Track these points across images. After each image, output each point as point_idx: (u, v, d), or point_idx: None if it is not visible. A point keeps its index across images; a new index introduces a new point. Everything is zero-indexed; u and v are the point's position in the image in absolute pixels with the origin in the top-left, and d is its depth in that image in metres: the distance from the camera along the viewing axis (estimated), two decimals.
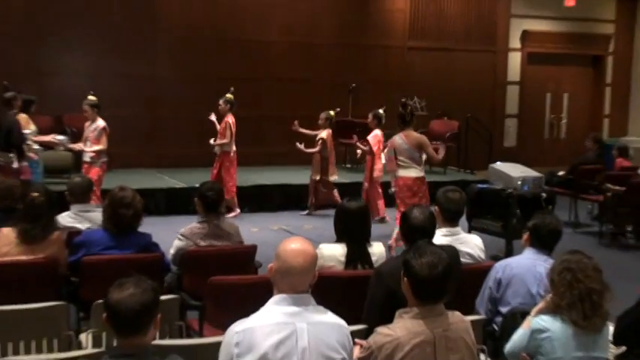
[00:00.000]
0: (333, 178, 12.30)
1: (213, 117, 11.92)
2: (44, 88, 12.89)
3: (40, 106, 11.61)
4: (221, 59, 14.93)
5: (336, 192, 12.15)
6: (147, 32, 14.54)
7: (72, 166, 11.85)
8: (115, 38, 14.31)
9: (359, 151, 11.99)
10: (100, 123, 10.75)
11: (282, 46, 15.53)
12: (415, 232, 4.69)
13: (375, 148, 11.58)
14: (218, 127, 11.86)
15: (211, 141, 11.88)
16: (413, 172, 9.49)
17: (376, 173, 11.67)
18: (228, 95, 11.84)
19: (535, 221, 5.13)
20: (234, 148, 11.79)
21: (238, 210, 11.88)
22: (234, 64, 14.97)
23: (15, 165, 9.88)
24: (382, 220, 11.58)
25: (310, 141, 12.20)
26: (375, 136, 11.71)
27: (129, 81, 13.87)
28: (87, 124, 10.91)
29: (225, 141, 11.70)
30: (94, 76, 14.01)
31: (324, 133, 12.11)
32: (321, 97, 14.99)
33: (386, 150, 10.25)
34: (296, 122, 12.27)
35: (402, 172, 9.55)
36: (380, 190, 11.72)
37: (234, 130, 11.71)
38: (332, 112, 12.26)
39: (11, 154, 9.88)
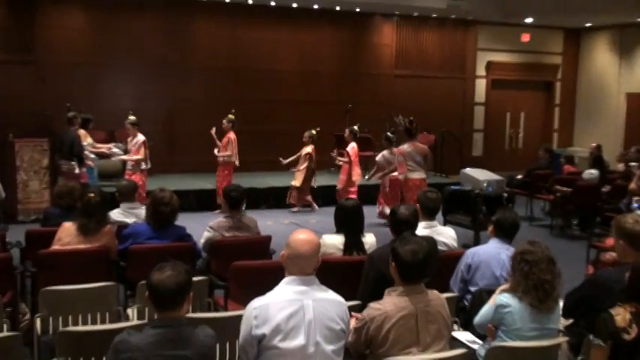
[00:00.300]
0: (315, 184, 12.32)
1: (213, 131, 11.79)
2: (99, 107, 12.88)
3: (96, 123, 11.64)
4: (240, 84, 14.95)
5: (310, 197, 12.24)
6: (181, 63, 14.56)
7: (121, 172, 11.85)
8: (155, 67, 14.36)
9: (339, 163, 11.87)
10: (140, 137, 10.74)
11: (290, 74, 15.52)
12: (402, 225, 4.74)
13: (353, 158, 11.57)
14: (218, 141, 11.73)
15: (215, 151, 11.74)
16: (420, 175, 10.31)
17: (355, 177, 11.66)
18: (230, 116, 11.73)
19: (498, 216, 5.13)
20: (237, 159, 11.71)
21: None
22: (251, 88, 15.00)
23: (76, 171, 9.92)
24: None
25: (296, 160, 12.20)
26: (352, 148, 11.67)
27: (165, 102, 13.88)
28: (129, 139, 10.90)
29: (227, 153, 11.59)
30: (138, 97, 14.06)
31: (309, 149, 12.02)
32: (324, 115, 14.98)
33: (396, 157, 10.59)
34: (280, 159, 12.21)
35: (411, 175, 10.27)
36: (353, 189, 11.62)
37: (235, 144, 11.59)
38: (314, 132, 12.08)
39: (73, 162, 9.91)
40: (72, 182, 7.41)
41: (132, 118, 10.97)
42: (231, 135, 11.61)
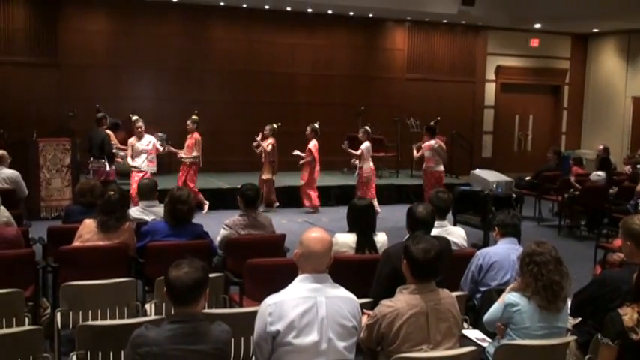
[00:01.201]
0: (273, 177, 12.01)
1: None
2: (121, 109, 12.93)
3: None
4: (256, 87, 14.99)
5: (274, 195, 12.02)
6: (199, 66, 14.61)
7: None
8: (175, 70, 14.45)
9: (301, 161, 11.84)
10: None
11: (305, 77, 15.54)
12: (419, 224, 4.72)
13: (315, 155, 11.63)
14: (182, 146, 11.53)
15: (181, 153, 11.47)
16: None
17: (316, 174, 11.83)
18: (194, 117, 11.48)
19: (499, 219, 5.12)
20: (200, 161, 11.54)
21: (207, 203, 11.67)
22: (267, 90, 15.05)
23: (107, 169, 9.99)
24: (315, 210, 11.93)
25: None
26: (315, 145, 11.67)
27: (184, 104, 13.88)
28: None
29: (195, 154, 11.36)
30: (157, 99, 14.16)
31: (270, 140, 11.72)
32: (337, 117, 15.00)
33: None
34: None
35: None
36: (315, 186, 11.84)
37: (200, 145, 11.39)
38: (275, 125, 11.83)
39: (103, 160, 9.97)
40: (93, 180, 7.44)
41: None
42: (196, 135, 11.40)
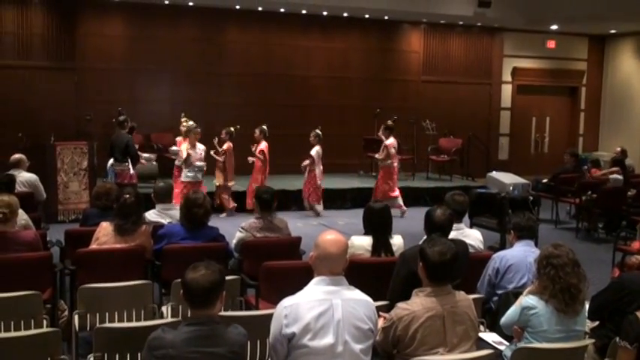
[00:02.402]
0: (232, 184, 11.78)
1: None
2: (138, 111, 13.03)
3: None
4: (271, 89, 15.00)
5: (231, 199, 11.78)
6: (215, 69, 14.64)
7: (157, 174, 11.93)
8: (191, 73, 14.48)
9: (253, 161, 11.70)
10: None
11: (321, 80, 15.52)
12: (436, 227, 4.71)
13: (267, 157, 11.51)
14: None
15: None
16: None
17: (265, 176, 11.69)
18: (231, 129, 11.55)
19: (514, 221, 5.10)
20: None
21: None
22: (282, 93, 15.06)
23: (130, 172, 10.03)
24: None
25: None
26: (266, 146, 11.56)
27: (200, 106, 13.96)
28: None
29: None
30: (175, 103, 14.17)
31: (225, 145, 11.53)
32: (352, 120, 15.01)
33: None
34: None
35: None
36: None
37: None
38: (232, 129, 11.64)
39: (126, 163, 10.02)
40: (109, 184, 7.47)
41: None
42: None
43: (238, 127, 11.78)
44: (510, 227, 5.12)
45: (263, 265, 5.21)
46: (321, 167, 11.83)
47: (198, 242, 5.59)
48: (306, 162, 11.79)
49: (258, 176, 11.56)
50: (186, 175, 10.75)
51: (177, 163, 11.06)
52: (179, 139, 11.34)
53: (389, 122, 12.12)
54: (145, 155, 11.41)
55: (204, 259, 3.24)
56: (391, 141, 11.83)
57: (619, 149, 13.21)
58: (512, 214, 5.28)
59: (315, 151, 11.70)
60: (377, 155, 12.29)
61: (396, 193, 11.97)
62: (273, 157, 11.89)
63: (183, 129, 11.08)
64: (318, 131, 11.87)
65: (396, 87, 16.23)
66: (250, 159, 11.54)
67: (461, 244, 4.86)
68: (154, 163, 11.41)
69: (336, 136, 12.20)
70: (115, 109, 12.29)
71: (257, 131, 11.67)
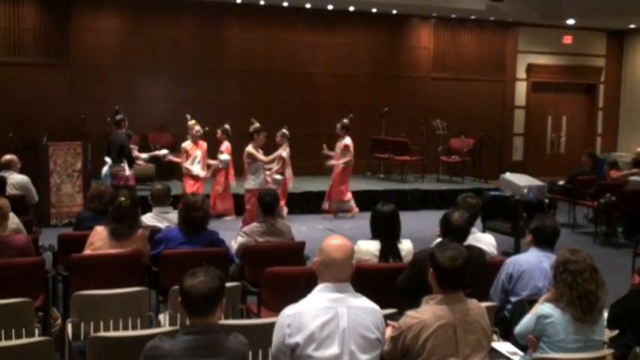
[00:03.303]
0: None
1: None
2: (135, 111, 13.05)
3: (131, 125, 11.72)
4: (275, 87, 15.04)
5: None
6: (216, 66, 14.66)
7: (154, 176, 11.95)
8: (190, 70, 14.52)
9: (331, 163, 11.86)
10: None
11: (326, 77, 15.56)
12: (454, 231, 4.76)
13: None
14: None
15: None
16: None
17: (231, 178, 11.70)
18: (226, 126, 11.63)
19: (536, 224, 5.06)
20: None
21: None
22: (286, 91, 15.09)
23: (126, 173, 10.03)
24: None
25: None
26: (227, 147, 11.51)
27: (201, 105, 13.99)
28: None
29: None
30: (173, 102, 14.25)
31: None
32: (359, 118, 14.97)
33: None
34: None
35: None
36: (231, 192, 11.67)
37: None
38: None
39: (122, 164, 10.03)
40: (103, 186, 7.46)
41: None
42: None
43: (207, 128, 11.55)
44: (530, 229, 5.08)
45: (265, 271, 5.21)
46: (291, 169, 11.71)
47: (197, 247, 5.59)
48: (333, 162, 11.85)
49: (221, 180, 11.58)
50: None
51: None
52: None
53: (345, 120, 11.99)
54: (162, 152, 11.28)
55: (204, 264, 3.23)
56: (350, 140, 11.74)
57: (639, 150, 13.17)
58: (533, 218, 5.23)
59: (286, 152, 11.42)
60: (331, 161, 11.93)
61: (350, 194, 12.03)
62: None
63: (198, 133, 10.91)
64: (284, 130, 11.65)
65: (405, 84, 16.24)
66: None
67: (476, 251, 4.86)
68: (169, 157, 11.29)
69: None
70: (111, 107, 12.31)
71: (219, 131, 11.58)
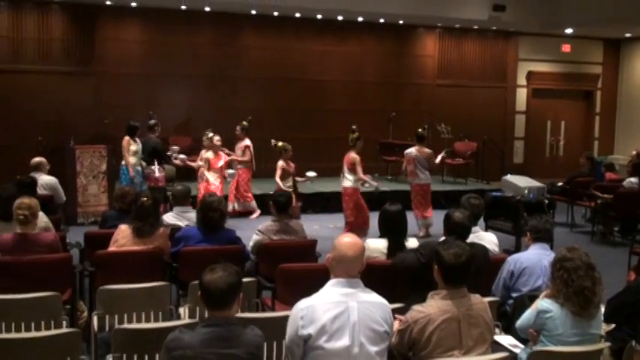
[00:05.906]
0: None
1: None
2: (156, 115, 13.06)
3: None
4: (287, 94, 15.03)
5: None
6: (231, 75, 14.68)
7: (176, 177, 11.97)
8: (208, 78, 14.55)
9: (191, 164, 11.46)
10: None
11: (336, 84, 15.53)
12: (456, 228, 4.76)
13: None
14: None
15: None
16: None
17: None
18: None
19: (531, 223, 5.07)
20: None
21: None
22: (298, 97, 15.09)
23: (156, 174, 10.08)
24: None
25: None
26: (242, 146, 11.48)
27: (217, 110, 14.03)
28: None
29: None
30: (191, 107, 14.32)
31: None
32: (367, 123, 14.96)
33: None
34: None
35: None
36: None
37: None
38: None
39: (153, 166, 10.06)
40: (127, 187, 7.49)
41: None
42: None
43: (250, 118, 11.73)
44: (527, 229, 5.10)
45: (279, 267, 5.22)
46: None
47: (214, 245, 5.60)
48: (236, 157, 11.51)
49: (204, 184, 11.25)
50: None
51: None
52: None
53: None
54: (181, 156, 11.24)
55: (222, 260, 3.25)
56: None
57: (635, 152, 13.10)
58: (529, 217, 5.23)
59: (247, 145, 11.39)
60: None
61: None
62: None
63: (217, 143, 10.87)
64: (245, 123, 11.56)
65: (411, 91, 16.22)
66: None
67: (480, 248, 4.86)
68: (186, 162, 11.25)
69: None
70: (132, 113, 12.31)
71: (204, 138, 11.26)
